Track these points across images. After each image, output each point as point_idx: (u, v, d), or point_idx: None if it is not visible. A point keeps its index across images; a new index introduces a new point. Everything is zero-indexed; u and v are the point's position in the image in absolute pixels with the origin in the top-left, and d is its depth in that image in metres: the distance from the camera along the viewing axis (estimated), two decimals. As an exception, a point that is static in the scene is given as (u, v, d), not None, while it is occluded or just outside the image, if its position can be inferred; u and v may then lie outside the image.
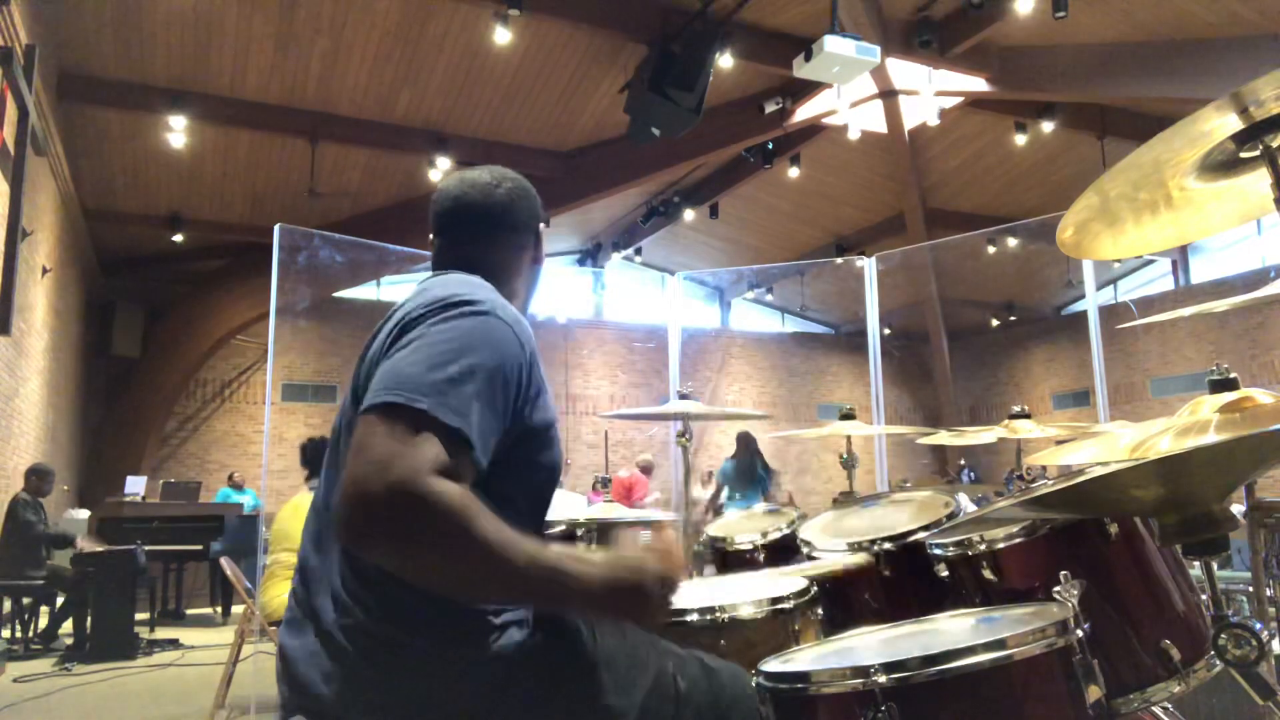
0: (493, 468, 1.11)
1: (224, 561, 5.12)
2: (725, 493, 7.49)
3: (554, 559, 1.05)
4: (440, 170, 10.55)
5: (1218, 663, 1.34)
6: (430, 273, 1.42)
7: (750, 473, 7.32)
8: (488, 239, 1.42)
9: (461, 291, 1.20)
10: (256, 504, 9.99)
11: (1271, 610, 1.88)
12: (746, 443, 7.41)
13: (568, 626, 1.26)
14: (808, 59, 7.66)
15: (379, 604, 1.14)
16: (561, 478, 1.42)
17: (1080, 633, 1.28)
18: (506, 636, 1.17)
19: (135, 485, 9.18)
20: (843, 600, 2.00)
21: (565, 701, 1.19)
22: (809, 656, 1.54)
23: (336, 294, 13.70)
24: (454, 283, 1.27)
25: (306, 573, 1.26)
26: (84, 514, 8.44)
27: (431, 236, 1.47)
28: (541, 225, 1.51)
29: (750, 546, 2.45)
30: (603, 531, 2.52)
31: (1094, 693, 1.26)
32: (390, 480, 0.94)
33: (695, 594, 2.06)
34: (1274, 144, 1.26)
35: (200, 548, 8.00)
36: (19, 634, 6.65)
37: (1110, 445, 1.43)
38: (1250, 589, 1.94)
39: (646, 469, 9.50)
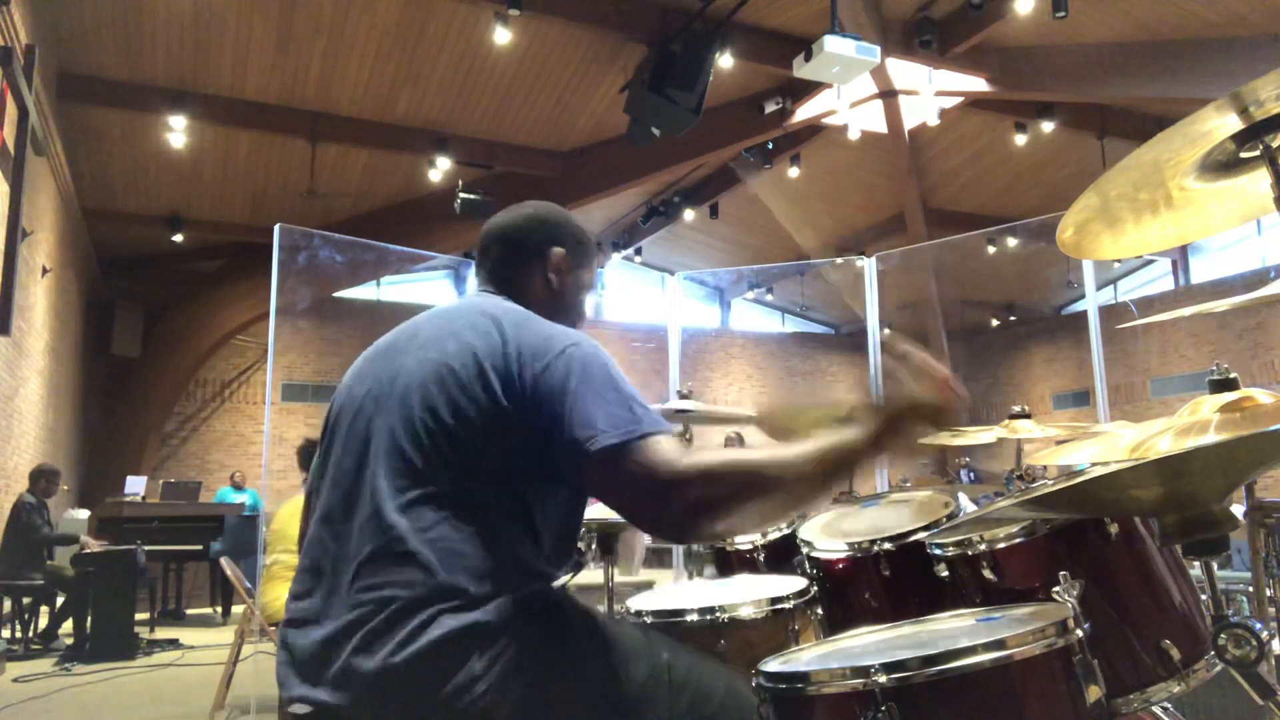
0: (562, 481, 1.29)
1: (224, 561, 5.12)
2: None
3: (822, 448, 1.19)
4: (440, 170, 10.55)
5: (1218, 663, 1.34)
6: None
7: None
8: (503, 259, 1.58)
9: (554, 329, 1.36)
10: (256, 504, 9.98)
11: (1271, 610, 1.88)
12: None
13: (568, 617, 1.28)
14: (808, 59, 7.66)
15: (410, 603, 1.18)
16: None
17: (1080, 633, 1.28)
18: (520, 627, 1.20)
19: (135, 485, 9.17)
20: (843, 600, 2.00)
21: (562, 686, 1.22)
22: (809, 656, 1.54)
23: (336, 294, 13.72)
24: (520, 313, 1.41)
25: (320, 574, 1.27)
26: (84, 514, 8.44)
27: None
28: (560, 250, 1.58)
29: (750, 546, 2.45)
30: (604, 536, 2.51)
31: (1094, 693, 1.26)
32: (672, 478, 1.17)
33: (695, 594, 2.06)
34: (1274, 144, 1.26)
35: (200, 548, 7.99)
36: (19, 634, 6.64)
37: (1110, 445, 1.43)
38: (1250, 589, 1.94)
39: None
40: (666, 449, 1.20)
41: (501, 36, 8.38)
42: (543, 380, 1.28)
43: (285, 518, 4.17)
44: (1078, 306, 17.35)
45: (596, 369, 1.30)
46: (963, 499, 2.04)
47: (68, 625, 6.78)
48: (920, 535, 1.86)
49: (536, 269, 1.56)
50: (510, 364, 1.29)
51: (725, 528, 1.31)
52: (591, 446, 1.21)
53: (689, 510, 1.18)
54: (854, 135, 11.38)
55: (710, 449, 1.22)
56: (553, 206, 1.64)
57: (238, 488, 11.11)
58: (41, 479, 6.69)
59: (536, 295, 1.54)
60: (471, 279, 1.71)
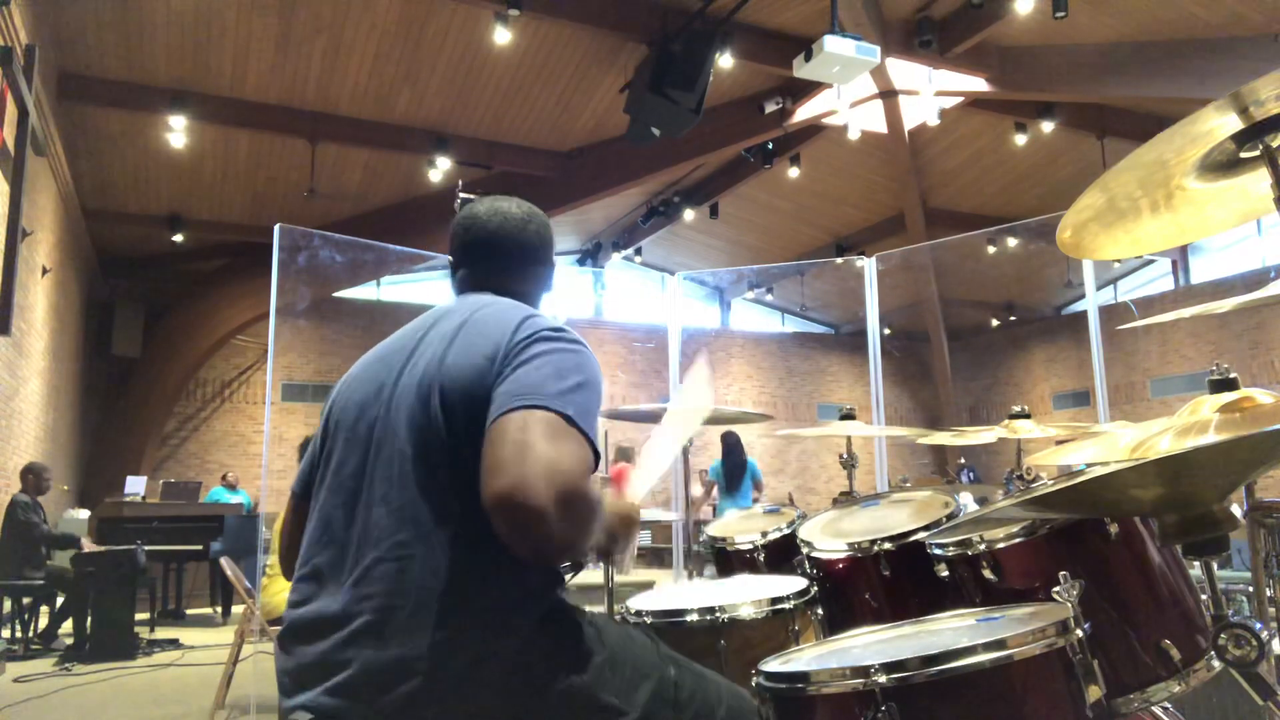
0: None
1: (224, 561, 5.12)
2: (717, 492, 7.52)
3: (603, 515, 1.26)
4: (440, 170, 10.55)
5: (1218, 663, 1.35)
6: (463, 292, 1.53)
7: (739, 473, 7.31)
8: (520, 272, 1.55)
9: (551, 324, 1.35)
10: (247, 505, 9.95)
11: (1271, 610, 1.88)
12: (733, 444, 7.38)
13: (576, 627, 1.28)
14: (808, 59, 7.66)
15: (415, 608, 1.17)
16: None
17: (1080, 633, 1.28)
18: (525, 635, 1.20)
19: (135, 485, 9.17)
20: (843, 600, 2.00)
21: (569, 698, 1.21)
22: (809, 656, 1.54)
23: (336, 294, 13.72)
24: (519, 308, 1.40)
25: (321, 581, 1.27)
26: (84, 514, 8.44)
27: (454, 257, 1.57)
28: (552, 260, 1.66)
29: (750, 546, 2.45)
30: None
31: (1094, 693, 1.26)
32: (562, 484, 1.08)
33: (695, 594, 2.06)
34: (1274, 144, 1.26)
35: (200, 548, 7.98)
36: (19, 634, 6.64)
37: (1110, 445, 1.43)
38: (1250, 589, 1.94)
39: (626, 455, 9.16)
40: (584, 459, 1.15)
41: (501, 36, 8.37)
42: (515, 355, 1.27)
43: (286, 518, 4.16)
44: (1078, 306, 17.35)
45: (566, 350, 1.28)
46: (964, 498, 2.04)
47: (68, 625, 6.77)
48: (920, 535, 1.87)
49: (547, 282, 1.60)
50: (500, 350, 1.29)
51: (551, 555, 1.18)
52: (524, 401, 1.16)
53: (569, 525, 1.09)
54: (854, 135, 11.37)
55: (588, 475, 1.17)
56: (539, 211, 1.62)
57: (231, 488, 11.05)
58: (30, 475, 6.70)
59: (532, 303, 1.55)
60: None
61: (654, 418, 3.21)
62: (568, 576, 2.16)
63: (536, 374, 1.22)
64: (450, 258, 1.58)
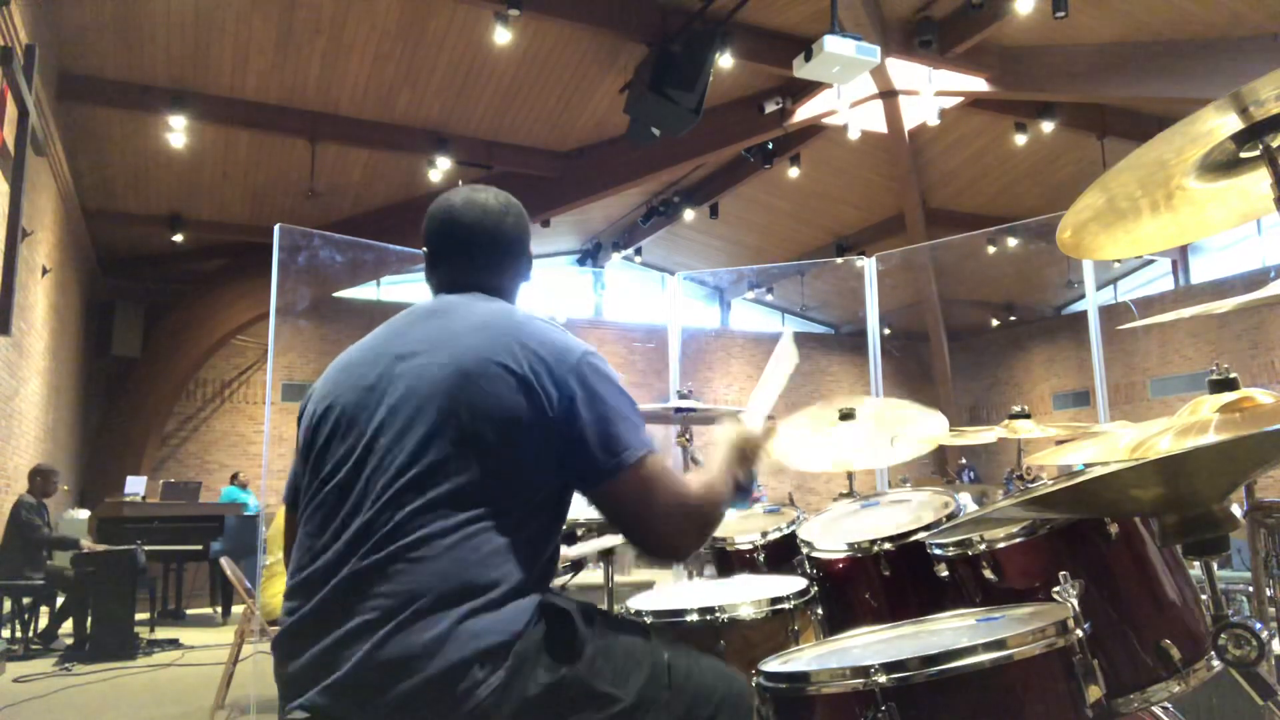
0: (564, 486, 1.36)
1: (224, 561, 5.12)
2: None
3: (722, 487, 1.45)
4: (440, 170, 10.56)
5: (1218, 663, 1.35)
6: (442, 288, 1.52)
7: None
8: (500, 266, 1.53)
9: (567, 336, 1.40)
10: (251, 509, 9.95)
11: (1271, 610, 1.88)
12: None
13: (568, 619, 1.28)
14: (808, 59, 7.67)
15: (412, 609, 1.17)
16: None
17: (1080, 633, 1.28)
18: (520, 631, 1.20)
19: (135, 485, 9.16)
20: (843, 600, 2.00)
21: (565, 689, 1.22)
22: (809, 656, 1.54)
23: (336, 294, 13.72)
24: (528, 318, 1.41)
25: (316, 583, 1.26)
26: (84, 514, 8.43)
27: (430, 249, 1.55)
28: (530, 251, 1.65)
29: (750, 546, 2.45)
30: (603, 534, 2.51)
31: (1094, 693, 1.26)
32: (689, 513, 1.37)
33: (695, 594, 2.06)
34: (1274, 144, 1.26)
35: (200, 548, 7.99)
36: (19, 634, 6.64)
37: (1110, 445, 1.43)
38: (1250, 589, 1.94)
39: None
40: (676, 474, 1.34)
41: (501, 36, 8.37)
42: (566, 388, 1.30)
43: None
44: (1078, 306, 17.36)
45: (614, 380, 1.37)
46: (964, 498, 2.04)
47: (68, 625, 6.77)
48: (920, 535, 1.87)
49: (526, 275, 1.57)
50: (527, 369, 1.29)
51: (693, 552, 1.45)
52: (625, 460, 1.30)
53: (697, 534, 1.37)
54: (854, 135, 11.38)
55: (694, 479, 1.39)
56: (516, 201, 1.58)
57: (243, 487, 11.08)
58: (38, 477, 6.70)
59: (510, 296, 1.54)
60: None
61: (654, 418, 3.21)
62: (566, 576, 2.15)
63: (616, 410, 1.33)
64: (425, 249, 1.54)
